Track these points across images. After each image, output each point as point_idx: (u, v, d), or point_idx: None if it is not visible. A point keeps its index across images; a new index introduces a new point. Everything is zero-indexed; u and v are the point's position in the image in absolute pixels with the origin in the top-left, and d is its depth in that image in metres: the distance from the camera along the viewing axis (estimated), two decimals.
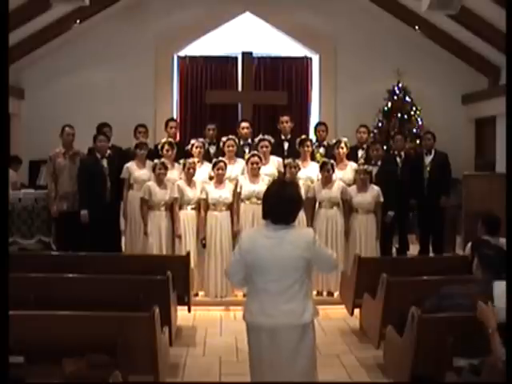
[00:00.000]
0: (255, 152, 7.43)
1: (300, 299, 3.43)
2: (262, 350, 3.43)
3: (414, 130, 10.56)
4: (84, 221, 7.58)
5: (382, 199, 7.35)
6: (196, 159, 7.48)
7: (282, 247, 3.41)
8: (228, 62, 11.67)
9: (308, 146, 7.71)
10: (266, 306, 3.40)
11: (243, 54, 10.38)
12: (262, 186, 6.88)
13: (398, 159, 8.52)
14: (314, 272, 7.38)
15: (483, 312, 3.47)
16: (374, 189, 7.37)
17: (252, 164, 7.20)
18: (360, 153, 8.34)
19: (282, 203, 3.44)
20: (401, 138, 8.90)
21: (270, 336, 3.40)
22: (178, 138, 9.11)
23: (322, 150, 8.38)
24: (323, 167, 7.32)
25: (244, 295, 6.22)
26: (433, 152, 8.53)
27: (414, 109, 10.72)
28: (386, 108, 10.77)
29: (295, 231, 3.52)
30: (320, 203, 7.33)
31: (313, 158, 7.91)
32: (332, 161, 7.43)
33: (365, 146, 8.41)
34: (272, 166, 7.64)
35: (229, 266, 3.69)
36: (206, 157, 7.91)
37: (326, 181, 7.31)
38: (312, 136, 9.03)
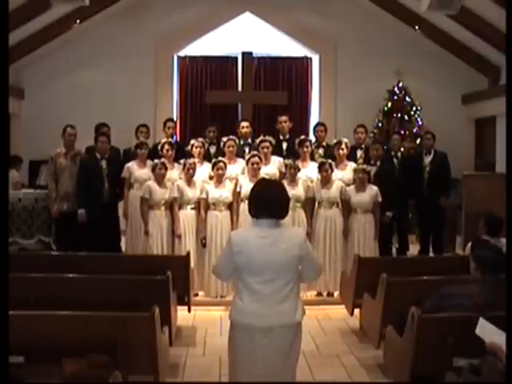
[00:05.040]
0: (255, 152, 7.44)
1: (292, 299, 3.44)
2: (254, 350, 3.41)
3: (414, 130, 10.56)
4: (81, 220, 7.58)
5: (380, 199, 7.35)
6: (196, 159, 7.49)
7: (277, 247, 3.40)
8: (228, 62, 11.67)
9: (307, 147, 7.72)
10: (259, 307, 3.39)
11: (243, 53, 10.38)
12: None
13: (394, 160, 8.50)
14: None
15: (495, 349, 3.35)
16: (373, 188, 7.37)
17: (252, 164, 7.20)
18: (359, 153, 8.34)
19: (275, 199, 3.44)
20: (397, 137, 8.87)
21: (264, 336, 3.39)
22: (176, 137, 9.12)
23: (321, 150, 8.36)
24: (321, 167, 7.32)
25: None
26: (432, 152, 8.52)
27: (413, 109, 10.72)
28: (385, 108, 10.76)
29: (288, 230, 3.54)
30: (319, 203, 7.34)
31: (312, 159, 7.92)
32: (330, 160, 7.43)
33: (363, 146, 8.41)
34: (273, 166, 7.64)
35: (218, 264, 3.62)
36: (207, 157, 7.92)
37: (325, 181, 7.31)
38: (311, 136, 9.03)
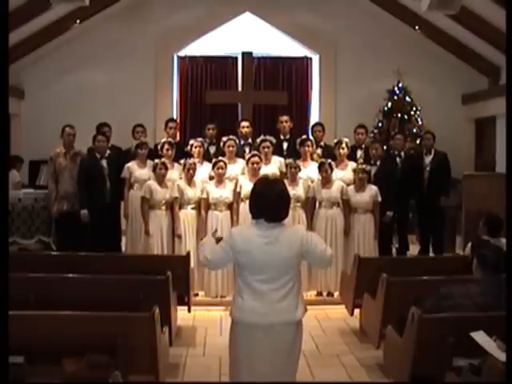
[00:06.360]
0: (255, 152, 7.44)
1: (293, 296, 3.45)
2: (255, 347, 3.42)
3: (414, 130, 10.56)
4: (84, 220, 7.58)
5: (379, 198, 7.35)
6: (196, 159, 7.49)
7: (278, 246, 3.41)
8: (228, 62, 11.67)
9: (308, 146, 7.72)
10: (260, 305, 3.40)
11: (243, 53, 10.36)
12: None
13: (397, 159, 8.51)
14: (313, 272, 7.42)
15: None
16: (372, 188, 7.37)
17: (252, 164, 7.20)
18: (359, 153, 8.34)
19: (276, 201, 3.44)
20: (401, 137, 8.88)
21: (265, 334, 3.40)
22: (177, 138, 9.09)
23: (319, 150, 8.35)
24: (321, 167, 7.33)
25: None
26: (432, 152, 8.53)
27: (414, 109, 10.72)
28: (385, 108, 10.76)
29: (288, 229, 3.53)
30: (320, 203, 7.34)
31: (311, 159, 7.92)
32: (330, 160, 7.43)
33: (363, 146, 8.41)
34: (274, 166, 7.64)
35: (213, 255, 3.50)
36: (206, 156, 7.92)
37: (326, 181, 7.32)
38: (310, 136, 9.02)
